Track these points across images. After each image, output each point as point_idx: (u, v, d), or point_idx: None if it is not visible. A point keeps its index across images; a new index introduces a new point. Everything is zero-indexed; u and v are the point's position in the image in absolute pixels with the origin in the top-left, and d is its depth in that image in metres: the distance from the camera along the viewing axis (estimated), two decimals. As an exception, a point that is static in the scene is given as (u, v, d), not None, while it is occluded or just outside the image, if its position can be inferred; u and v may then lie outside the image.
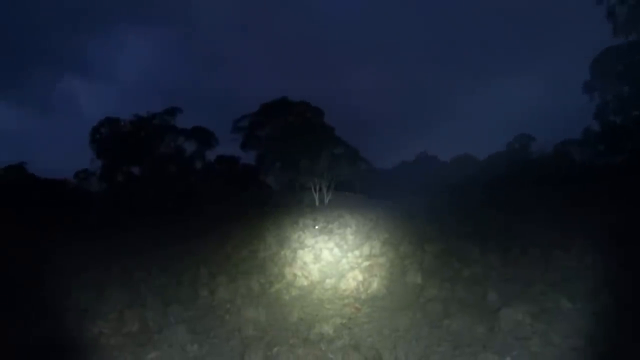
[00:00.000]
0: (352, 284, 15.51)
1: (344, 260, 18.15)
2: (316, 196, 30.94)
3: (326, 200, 30.68)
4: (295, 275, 16.86)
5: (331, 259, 18.61)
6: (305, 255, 18.62)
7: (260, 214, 28.40)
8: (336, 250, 19.45)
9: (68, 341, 11.95)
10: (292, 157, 32.74)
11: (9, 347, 11.06)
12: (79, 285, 16.32)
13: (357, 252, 18.80)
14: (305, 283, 16.34)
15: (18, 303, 14.21)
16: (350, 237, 21.17)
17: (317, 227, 22.58)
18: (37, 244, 22.83)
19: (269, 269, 17.99)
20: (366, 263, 17.15)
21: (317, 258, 18.62)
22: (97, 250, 21.54)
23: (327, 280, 16.26)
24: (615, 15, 29.08)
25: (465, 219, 23.35)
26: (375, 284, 15.18)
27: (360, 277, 15.76)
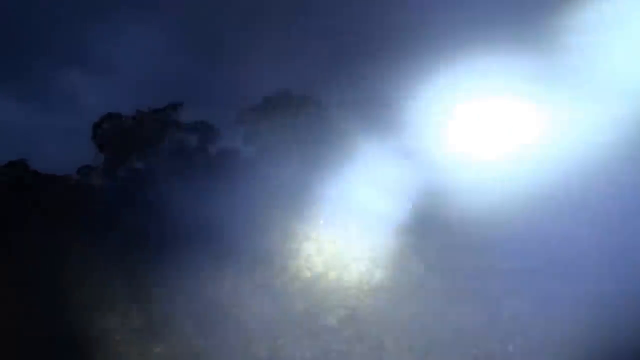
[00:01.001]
0: (356, 275, 15.47)
1: (347, 252, 18.04)
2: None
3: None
4: (299, 267, 16.83)
5: (334, 251, 18.52)
6: (309, 247, 18.54)
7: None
8: (339, 241, 19.32)
9: (73, 337, 11.95)
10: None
11: (13, 342, 11.08)
12: (82, 281, 16.32)
13: (360, 243, 18.66)
14: (309, 275, 16.31)
15: (21, 300, 14.20)
16: (353, 228, 20.99)
17: (321, 221, 22.39)
18: (39, 241, 22.74)
19: (272, 262, 17.92)
20: (369, 254, 17.08)
21: (320, 250, 18.52)
22: (100, 245, 21.40)
23: (331, 272, 16.23)
24: None
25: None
26: (378, 275, 15.14)
27: (363, 268, 15.73)
